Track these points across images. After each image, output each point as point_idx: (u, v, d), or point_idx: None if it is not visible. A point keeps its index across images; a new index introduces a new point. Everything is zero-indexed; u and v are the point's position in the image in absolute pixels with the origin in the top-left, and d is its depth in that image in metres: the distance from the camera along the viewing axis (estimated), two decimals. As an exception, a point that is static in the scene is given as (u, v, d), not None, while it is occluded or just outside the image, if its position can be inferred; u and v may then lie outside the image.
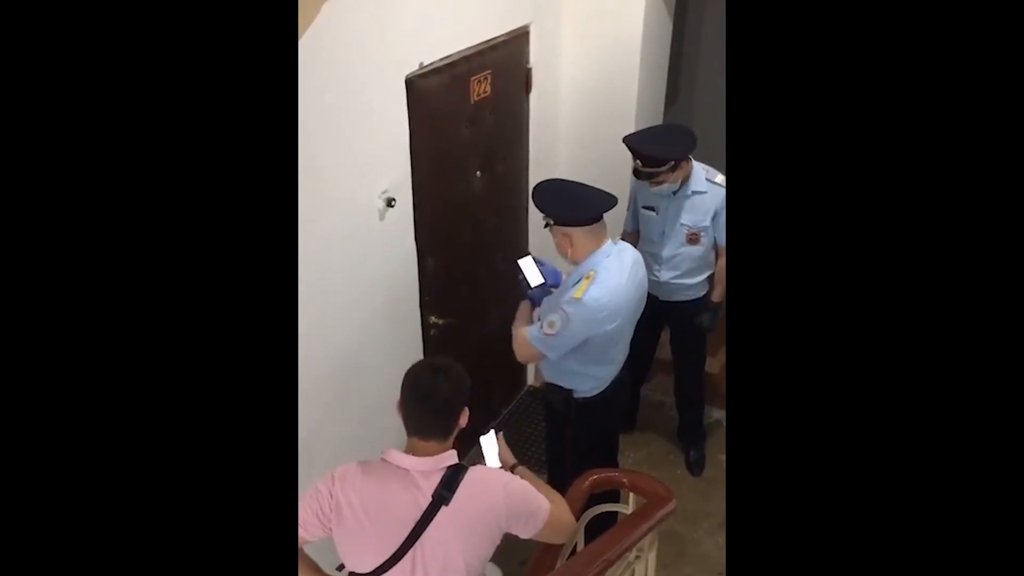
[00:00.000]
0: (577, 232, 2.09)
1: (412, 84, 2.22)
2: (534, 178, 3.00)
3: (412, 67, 2.23)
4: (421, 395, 1.56)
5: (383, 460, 1.57)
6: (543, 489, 1.72)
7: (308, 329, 1.92)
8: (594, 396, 2.31)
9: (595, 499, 2.06)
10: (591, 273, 2.09)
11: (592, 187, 2.17)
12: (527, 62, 2.84)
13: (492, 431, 1.88)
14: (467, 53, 2.50)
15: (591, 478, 2.02)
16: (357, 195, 2.14)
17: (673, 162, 2.56)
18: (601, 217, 2.11)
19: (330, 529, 1.53)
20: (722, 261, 2.82)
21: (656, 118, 3.35)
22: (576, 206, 2.10)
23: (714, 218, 2.72)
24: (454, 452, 1.60)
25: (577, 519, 1.92)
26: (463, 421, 1.62)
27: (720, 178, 2.70)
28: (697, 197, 2.71)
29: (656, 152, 2.55)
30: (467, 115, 2.58)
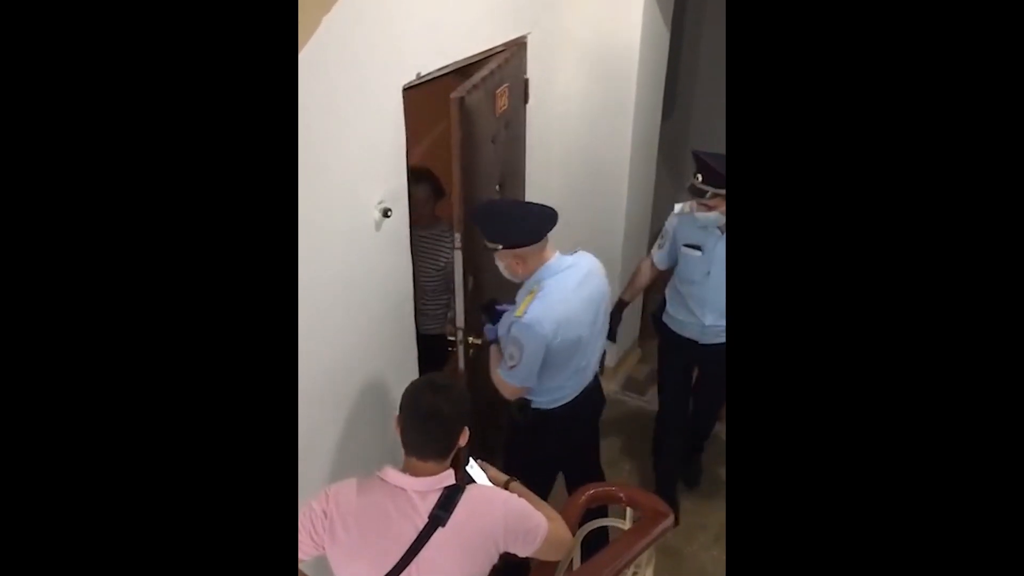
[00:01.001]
0: (526, 251, 2.10)
1: (408, 94, 2.22)
2: (529, 191, 3.00)
3: (408, 77, 2.21)
4: (421, 413, 1.54)
5: (379, 478, 1.54)
6: (539, 505, 1.70)
7: (302, 339, 1.89)
8: (556, 408, 2.29)
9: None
10: (535, 288, 2.11)
11: (531, 203, 2.20)
12: (524, 73, 2.83)
13: (472, 460, 1.84)
14: (465, 63, 2.49)
15: (587, 493, 2.00)
16: (353, 204, 2.13)
17: (725, 192, 2.39)
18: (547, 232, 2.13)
19: (323, 548, 1.50)
20: None
21: (653, 130, 3.35)
22: (523, 229, 2.09)
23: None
24: (451, 472, 1.57)
25: (573, 534, 1.90)
26: (462, 441, 1.60)
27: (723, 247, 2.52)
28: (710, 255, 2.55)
29: (722, 170, 2.37)
30: (491, 129, 2.56)
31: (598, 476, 2.65)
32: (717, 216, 2.48)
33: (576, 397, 2.31)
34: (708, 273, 2.59)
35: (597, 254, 3.05)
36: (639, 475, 3.23)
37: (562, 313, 2.09)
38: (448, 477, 1.56)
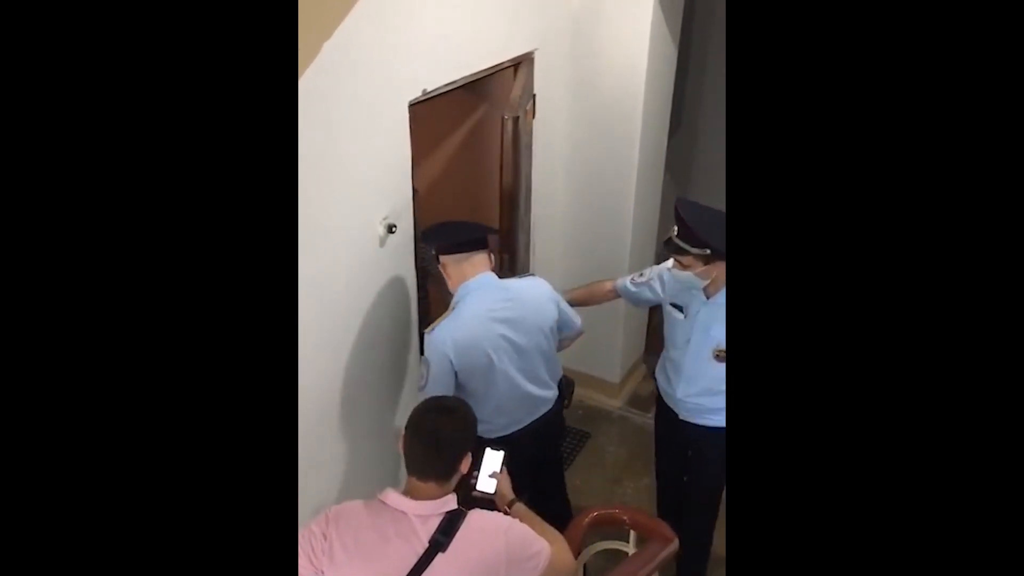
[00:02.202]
0: (448, 262, 2.14)
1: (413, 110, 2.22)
2: (536, 207, 2.99)
3: (415, 93, 2.21)
4: (424, 433, 1.55)
5: (380, 501, 1.53)
6: (542, 528, 1.68)
7: (305, 355, 1.89)
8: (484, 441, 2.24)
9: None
10: (453, 305, 2.12)
11: (475, 223, 2.22)
12: (532, 88, 2.82)
13: (501, 451, 1.86)
14: (472, 79, 2.48)
15: (591, 515, 1.97)
16: (359, 220, 2.12)
17: (710, 251, 2.07)
18: (473, 248, 2.13)
19: (322, 571, 1.48)
20: None
21: (660, 147, 3.34)
22: (449, 239, 2.14)
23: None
24: (453, 496, 1.56)
25: (576, 556, 1.87)
26: (464, 467, 1.59)
27: None
28: (718, 309, 2.19)
29: (699, 228, 2.07)
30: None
31: (560, 510, 2.55)
32: (694, 279, 2.16)
33: (516, 432, 2.26)
34: (688, 341, 2.28)
35: (602, 270, 3.05)
36: (645, 494, 3.19)
37: (465, 335, 2.07)
38: (450, 501, 1.55)
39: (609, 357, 3.59)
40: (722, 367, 2.21)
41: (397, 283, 2.37)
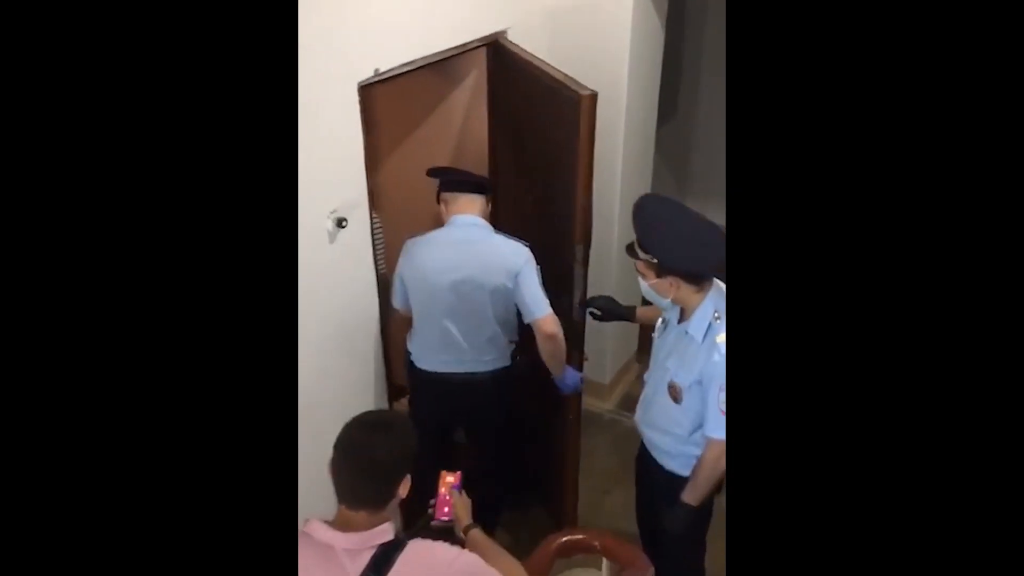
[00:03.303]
0: (446, 198, 2.31)
1: (366, 92, 2.02)
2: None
3: (366, 74, 2.01)
4: (354, 453, 1.36)
5: (303, 533, 1.33)
6: (499, 557, 1.49)
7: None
8: (421, 368, 2.37)
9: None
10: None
11: (474, 174, 2.42)
12: (505, 70, 2.62)
13: (458, 471, 1.73)
14: (437, 59, 2.27)
15: (559, 541, 1.77)
16: (300, 213, 1.91)
17: (657, 262, 1.83)
18: (464, 189, 2.28)
19: None
20: (708, 453, 1.91)
21: (648, 134, 3.11)
22: (450, 174, 2.41)
23: (699, 383, 1.88)
24: (389, 526, 1.37)
25: (542, 586, 1.68)
26: (402, 491, 1.39)
27: (722, 338, 1.81)
28: (690, 341, 1.90)
29: (648, 236, 1.84)
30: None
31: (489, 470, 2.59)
32: (649, 290, 1.93)
33: (444, 373, 2.35)
34: (653, 362, 2.09)
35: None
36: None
37: (420, 257, 2.24)
38: (384, 532, 1.36)
39: (598, 356, 3.36)
40: (673, 406, 1.97)
41: (352, 285, 2.17)
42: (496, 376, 2.37)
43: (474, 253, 2.22)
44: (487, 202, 2.32)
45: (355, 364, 2.26)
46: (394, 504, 1.41)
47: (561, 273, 2.37)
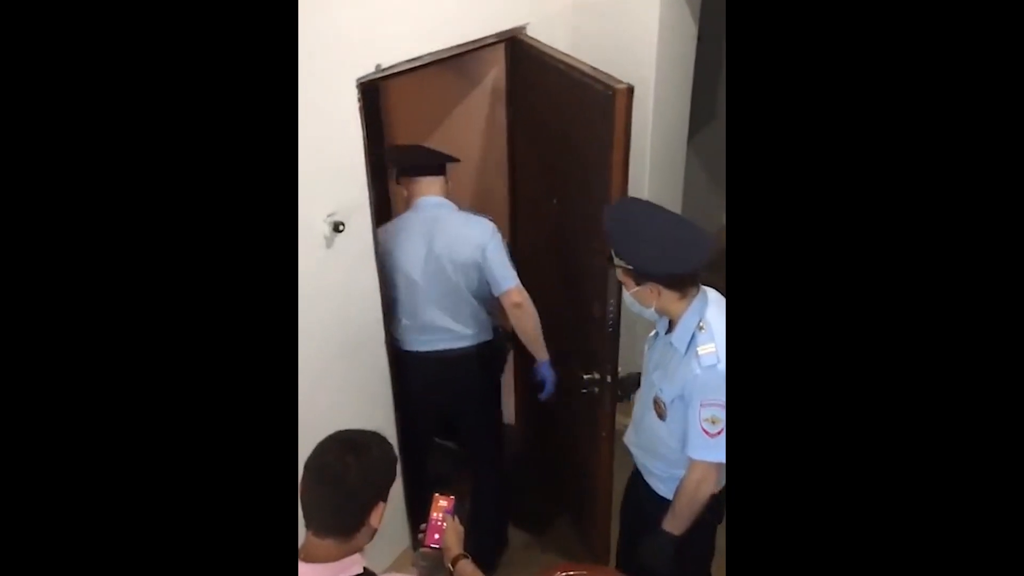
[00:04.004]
0: (405, 182, 2.34)
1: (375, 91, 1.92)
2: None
3: (366, 68, 1.90)
4: (321, 475, 1.25)
5: None
6: None
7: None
8: (399, 351, 2.36)
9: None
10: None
11: (431, 149, 2.44)
12: (524, 68, 2.49)
13: (451, 496, 1.61)
14: (447, 55, 2.16)
15: None
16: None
17: (620, 259, 1.70)
18: (423, 172, 2.30)
19: None
20: (688, 476, 1.78)
21: (680, 135, 2.92)
22: (405, 157, 2.45)
23: (681, 398, 1.74)
24: (358, 558, 1.26)
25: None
26: (375, 520, 1.27)
27: (708, 351, 1.68)
28: (674, 353, 1.76)
29: (621, 242, 1.71)
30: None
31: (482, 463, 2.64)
32: (630, 298, 1.79)
33: (429, 352, 2.35)
34: (643, 375, 1.95)
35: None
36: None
37: (392, 244, 2.24)
38: (352, 564, 1.25)
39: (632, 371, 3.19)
40: (658, 423, 1.82)
41: (353, 292, 2.06)
42: (480, 350, 2.40)
43: (442, 232, 2.26)
44: (446, 181, 2.37)
45: (357, 374, 2.15)
46: (365, 533, 1.29)
47: (588, 276, 2.23)
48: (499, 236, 2.29)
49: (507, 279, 2.25)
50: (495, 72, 2.62)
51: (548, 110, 2.40)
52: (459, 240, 2.25)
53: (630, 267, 1.69)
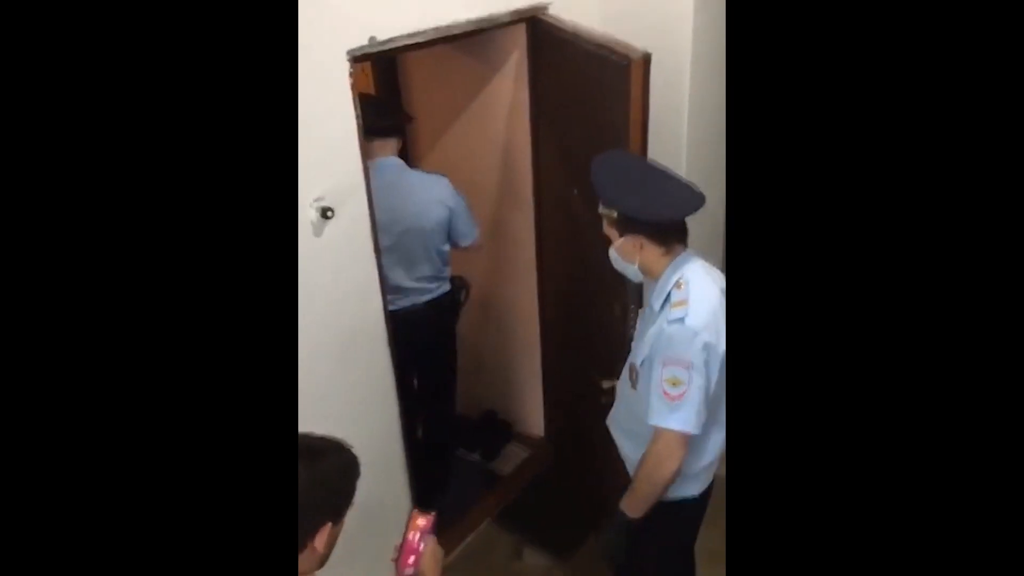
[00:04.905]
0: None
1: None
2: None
3: (359, 40, 1.75)
4: None
5: None
6: None
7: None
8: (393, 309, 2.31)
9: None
10: None
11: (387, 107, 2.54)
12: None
13: (431, 512, 1.43)
14: (456, 31, 1.99)
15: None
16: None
17: (617, 215, 1.62)
18: (377, 134, 2.24)
19: None
20: (649, 447, 1.64)
21: (719, 120, 2.67)
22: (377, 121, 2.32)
23: (647, 360, 1.63)
24: None
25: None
26: (319, 543, 1.12)
27: (678, 305, 1.58)
28: (650, 312, 1.70)
29: (608, 189, 1.63)
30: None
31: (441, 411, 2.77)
32: (617, 257, 1.69)
33: (410, 305, 2.42)
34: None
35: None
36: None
37: (384, 194, 2.11)
38: None
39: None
40: (632, 397, 1.70)
41: (345, 284, 1.89)
42: (439, 301, 2.51)
43: (405, 197, 2.30)
44: (399, 141, 2.40)
45: (351, 379, 1.98)
46: (308, 559, 1.11)
47: (609, 272, 2.02)
48: (456, 190, 2.40)
49: (474, 228, 2.46)
50: (517, 56, 2.45)
51: (569, 92, 2.21)
52: (425, 203, 2.32)
53: (614, 214, 1.61)
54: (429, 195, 2.36)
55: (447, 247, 2.47)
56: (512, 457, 3.05)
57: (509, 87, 2.52)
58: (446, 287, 2.54)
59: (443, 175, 2.42)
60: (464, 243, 2.47)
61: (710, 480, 1.80)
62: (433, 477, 2.84)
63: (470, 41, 2.45)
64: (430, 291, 2.48)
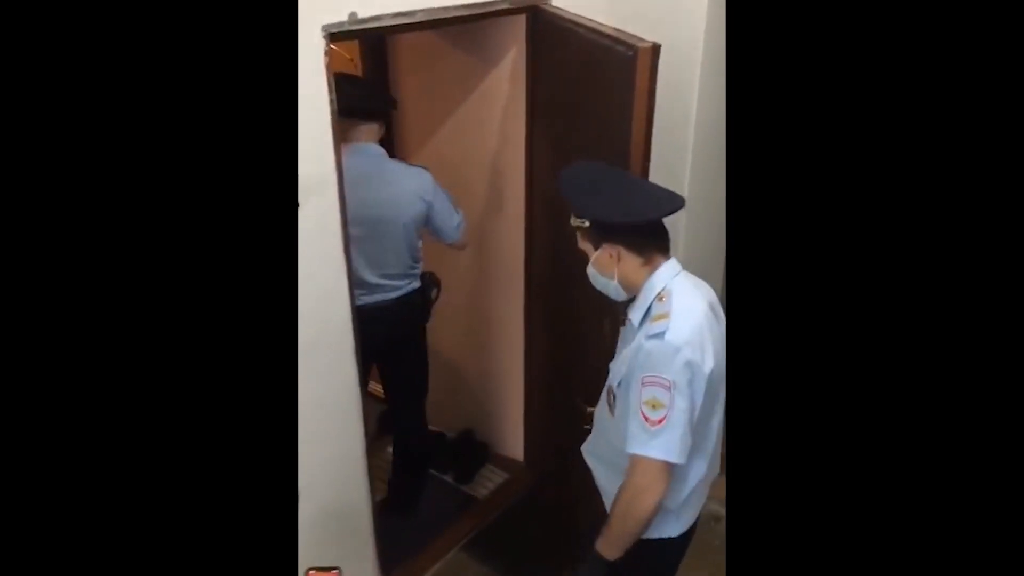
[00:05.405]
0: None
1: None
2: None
3: (337, 17, 1.59)
4: None
5: None
6: None
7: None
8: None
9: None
10: None
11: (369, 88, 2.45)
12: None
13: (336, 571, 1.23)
14: (446, 15, 1.83)
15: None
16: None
17: (589, 225, 1.49)
18: (360, 118, 2.21)
19: None
20: (626, 479, 1.47)
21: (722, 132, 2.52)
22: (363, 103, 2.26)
23: (625, 381, 1.48)
24: None
25: None
26: None
27: (659, 319, 1.42)
28: (630, 329, 1.54)
29: (578, 198, 1.51)
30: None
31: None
32: (595, 274, 1.55)
33: (378, 301, 2.32)
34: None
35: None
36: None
37: (358, 183, 1.98)
38: None
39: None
40: (610, 424, 1.55)
41: (309, 284, 1.72)
42: (410, 299, 2.39)
43: (382, 188, 2.19)
44: (381, 127, 2.29)
45: (310, 380, 1.80)
46: None
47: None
48: (434, 180, 2.28)
49: (457, 227, 2.33)
50: (515, 52, 2.29)
51: (570, 91, 2.05)
52: (402, 196, 2.20)
53: (586, 224, 1.49)
54: (406, 187, 2.24)
55: (421, 243, 2.36)
56: (488, 480, 2.86)
57: (505, 85, 2.36)
58: (416, 284, 2.43)
59: (425, 168, 2.29)
60: (446, 240, 2.36)
61: (693, 520, 1.62)
62: (403, 493, 2.67)
63: (465, 33, 2.31)
64: (398, 288, 2.36)
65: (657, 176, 2.00)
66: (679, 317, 1.40)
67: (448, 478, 2.86)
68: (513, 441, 2.86)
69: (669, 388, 1.36)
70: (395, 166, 2.30)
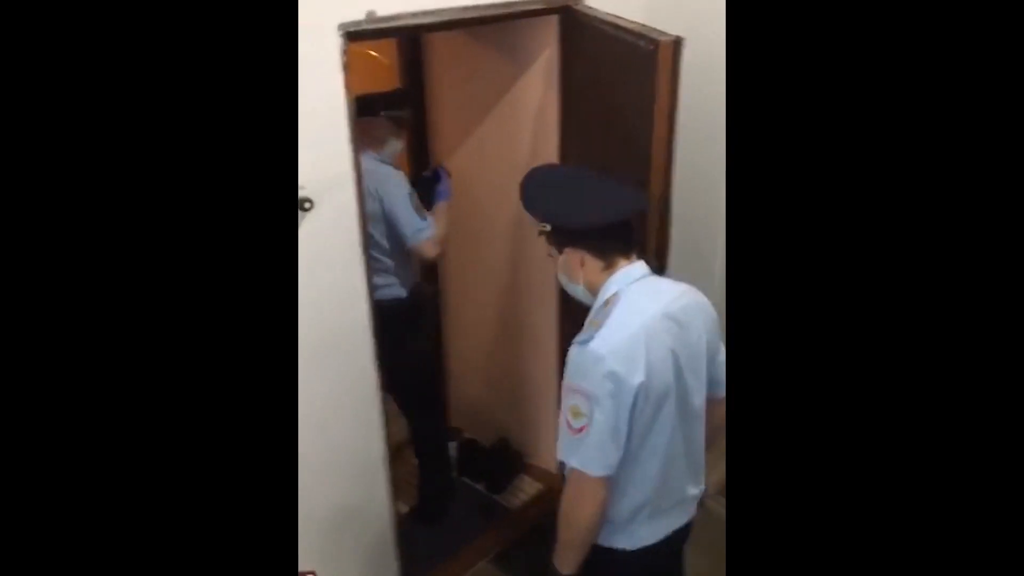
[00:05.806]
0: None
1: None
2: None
3: (354, 15, 1.58)
4: None
5: None
6: None
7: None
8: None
9: None
10: None
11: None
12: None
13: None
14: (470, 15, 1.82)
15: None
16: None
17: (538, 221, 1.46)
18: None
19: None
20: (563, 490, 1.43)
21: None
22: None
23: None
24: None
25: None
26: None
27: (586, 335, 1.36)
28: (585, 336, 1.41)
29: (537, 203, 1.47)
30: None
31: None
32: (567, 282, 1.51)
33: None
34: None
35: (691, 263, 2.30)
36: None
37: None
38: None
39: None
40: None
41: (322, 285, 1.71)
42: (392, 307, 2.24)
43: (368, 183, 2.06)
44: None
45: (327, 379, 1.79)
46: None
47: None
48: (399, 179, 2.19)
49: (412, 228, 2.20)
50: (547, 55, 2.26)
51: (602, 93, 2.01)
52: (367, 191, 2.04)
53: (548, 227, 1.45)
54: (369, 186, 2.11)
55: (387, 244, 2.25)
56: (520, 491, 2.81)
57: (538, 89, 2.33)
58: (396, 292, 2.32)
59: (395, 167, 2.24)
60: (407, 243, 2.24)
61: (654, 538, 1.52)
62: (429, 500, 2.64)
63: (497, 35, 2.29)
64: (387, 285, 2.29)
65: (684, 173, 1.92)
66: (611, 326, 1.35)
67: (481, 487, 2.82)
68: (547, 452, 2.79)
69: (588, 398, 1.32)
70: (366, 161, 2.15)
